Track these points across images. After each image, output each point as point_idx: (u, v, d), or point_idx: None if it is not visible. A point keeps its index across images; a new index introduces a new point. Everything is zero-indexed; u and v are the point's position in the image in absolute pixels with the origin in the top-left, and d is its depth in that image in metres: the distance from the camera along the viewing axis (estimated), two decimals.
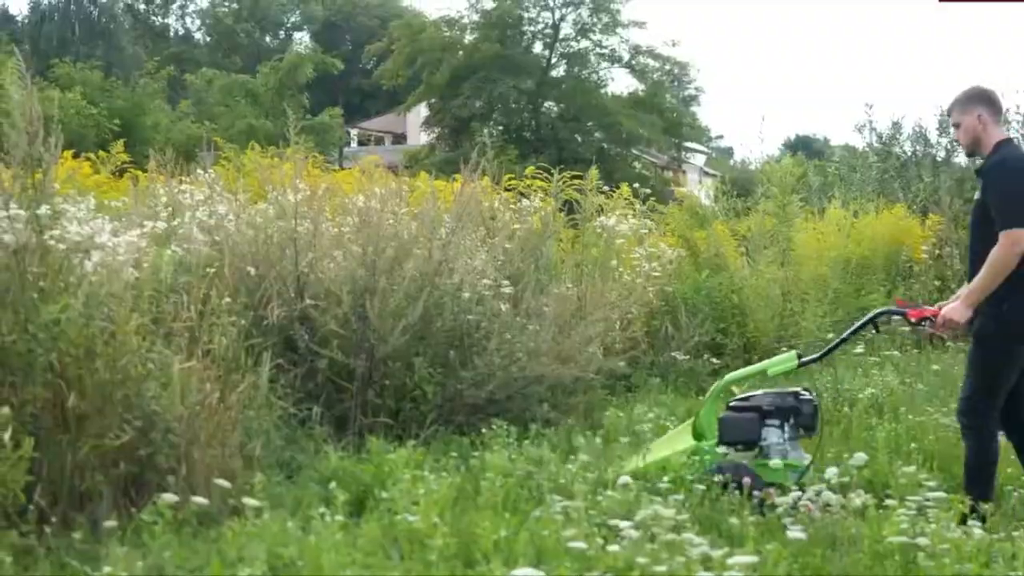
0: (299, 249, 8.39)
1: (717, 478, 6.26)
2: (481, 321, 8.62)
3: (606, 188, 13.44)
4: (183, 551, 4.97)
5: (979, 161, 6.90)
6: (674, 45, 47.65)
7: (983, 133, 6.59)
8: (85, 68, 37.56)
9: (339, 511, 5.14)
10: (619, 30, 45.56)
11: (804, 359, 7.15)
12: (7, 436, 5.14)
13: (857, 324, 7.18)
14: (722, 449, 6.82)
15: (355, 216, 9.02)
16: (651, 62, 46.46)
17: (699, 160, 59.83)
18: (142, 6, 74.40)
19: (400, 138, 61.64)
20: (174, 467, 5.95)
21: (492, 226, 10.71)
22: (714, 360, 11.71)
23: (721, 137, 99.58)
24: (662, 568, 4.45)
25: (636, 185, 14.85)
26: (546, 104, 45.66)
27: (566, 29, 45.98)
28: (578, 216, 12.40)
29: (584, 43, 46.40)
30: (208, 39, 71.04)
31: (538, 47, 46.62)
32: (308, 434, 7.67)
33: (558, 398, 8.94)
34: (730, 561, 4.41)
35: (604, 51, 46.47)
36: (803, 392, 7.02)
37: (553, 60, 46.21)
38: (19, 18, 71.62)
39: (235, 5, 70.01)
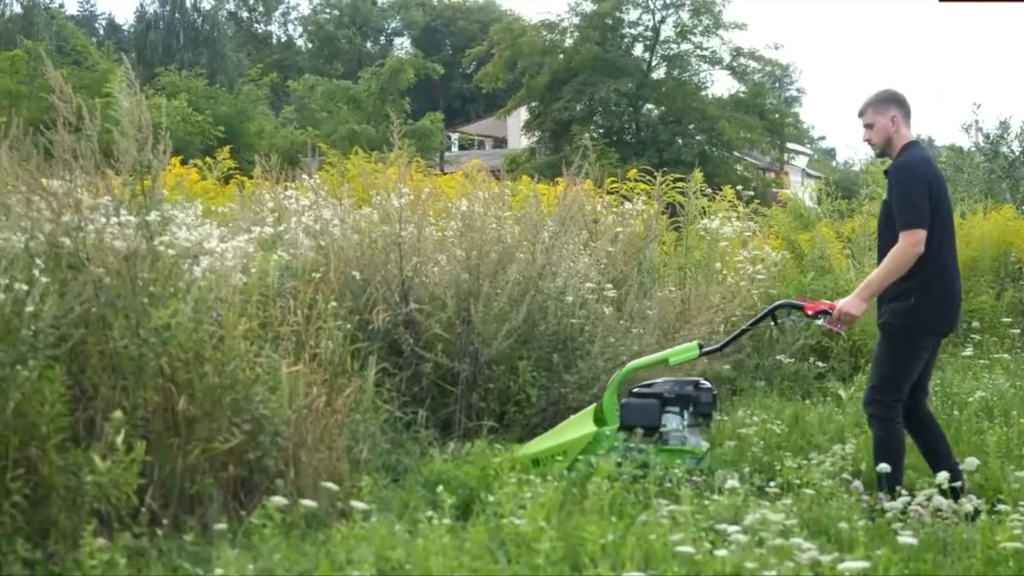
0: (403, 253, 8.43)
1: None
2: (584, 324, 8.61)
3: (708, 190, 13.37)
4: (292, 554, 5.00)
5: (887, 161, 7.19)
6: (777, 48, 47.32)
7: (895, 134, 6.88)
8: (190, 76, 38.00)
9: (446, 514, 5.15)
10: (720, 32, 45.25)
11: (705, 348, 7.37)
12: (120, 439, 5.21)
13: (756, 317, 7.46)
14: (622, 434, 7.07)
15: (459, 220, 9.05)
16: (752, 64, 46.05)
17: (801, 162, 59.24)
18: (245, 14, 75.31)
19: (500, 142, 61.73)
20: (282, 470, 6.00)
21: (595, 229, 10.70)
22: (820, 363, 11.56)
23: (823, 138, 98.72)
24: (771, 573, 4.41)
25: (739, 187, 14.77)
26: (646, 107, 45.43)
27: (666, 31, 45.70)
28: (681, 219, 12.34)
29: (685, 45, 46.11)
30: (310, 45, 71.63)
31: (638, 50, 46.39)
32: (413, 437, 7.71)
33: None
34: (841, 566, 4.34)
35: (705, 53, 46.17)
36: (702, 381, 7.31)
37: (653, 63, 45.97)
38: (125, 27, 72.91)
39: (336, 12, 70.53)
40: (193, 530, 5.23)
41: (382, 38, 76.36)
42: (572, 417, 7.49)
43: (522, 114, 47.64)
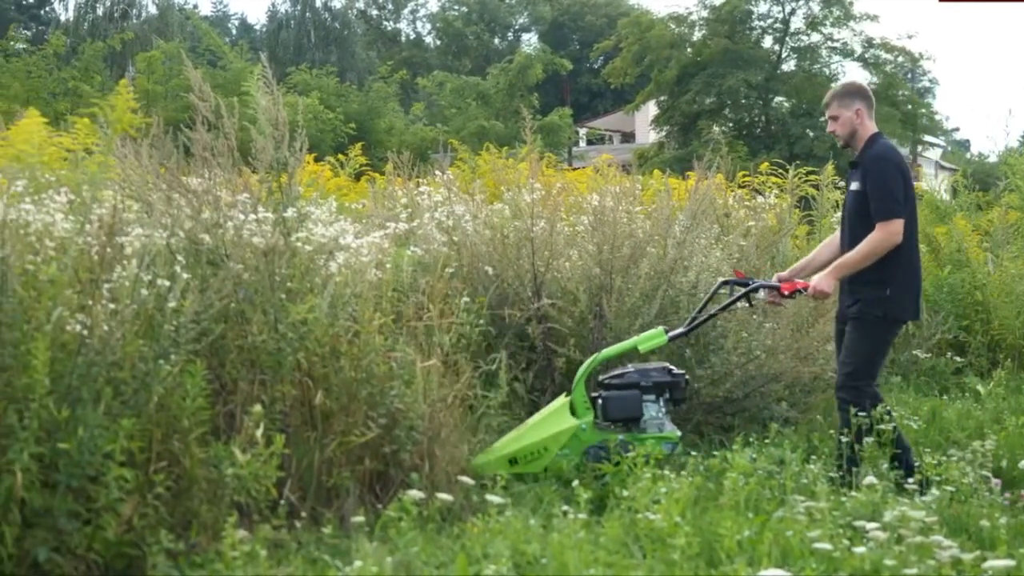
0: (535, 248, 8.44)
1: None
2: (717, 319, 8.56)
3: (841, 184, 13.20)
4: (428, 547, 5.05)
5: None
6: (910, 37, 46.52)
7: (860, 126, 7.18)
8: (321, 74, 38.37)
9: (581, 509, 5.14)
10: (851, 23, 44.61)
11: (672, 333, 7.27)
12: (259, 433, 5.28)
13: (731, 299, 7.36)
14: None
15: (590, 215, 9.04)
16: (884, 55, 45.32)
17: (935, 154, 58.19)
18: (374, 12, 75.91)
19: (628, 136, 61.55)
20: (417, 464, 6.05)
21: (726, 223, 10.63)
22: (957, 358, 11.38)
23: (957, 129, 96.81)
24: (911, 571, 4.35)
25: None
26: (776, 99, 44.98)
27: (796, 23, 45.14)
28: (813, 212, 12.21)
29: (815, 37, 45.53)
30: (438, 43, 72.03)
31: (768, 42, 45.88)
32: None
33: (796, 397, 8.81)
34: (985, 565, 4.27)
35: (836, 44, 45.55)
36: (672, 368, 7.26)
37: (783, 55, 45.49)
38: (257, 26, 73.99)
39: (465, 8, 70.81)
40: (331, 523, 5.29)
41: (510, 34, 76.51)
42: (544, 411, 7.33)
43: (650, 108, 47.44)
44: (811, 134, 42.02)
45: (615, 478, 6.27)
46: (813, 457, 7.10)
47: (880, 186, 6.90)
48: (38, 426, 4.48)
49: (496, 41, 72.59)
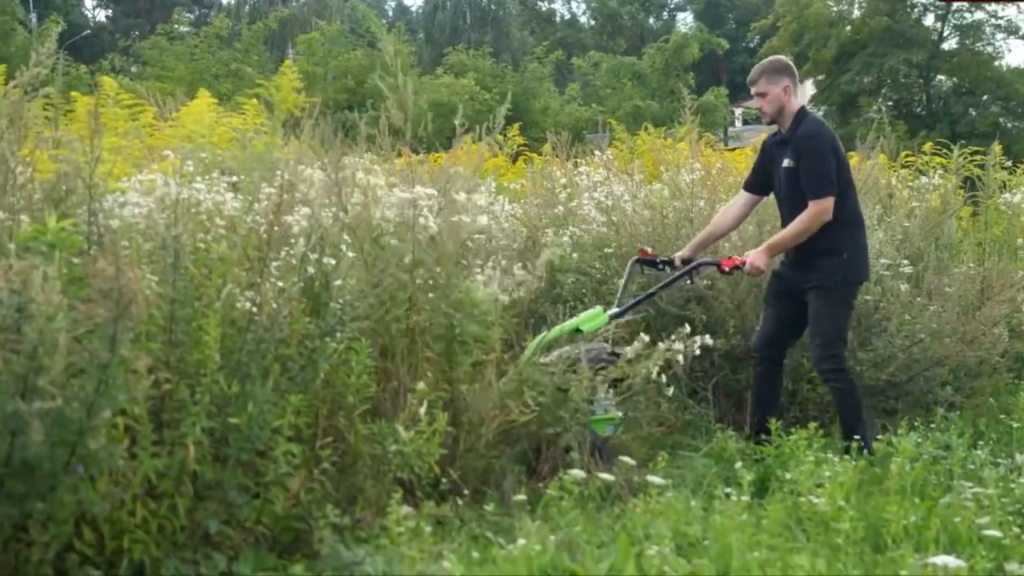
0: (695, 229, 8.38)
1: None
2: (879, 302, 8.42)
3: (1008, 164, 12.88)
4: (589, 526, 5.05)
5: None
6: None
7: (787, 103, 7.17)
8: (477, 55, 38.62)
9: (744, 491, 5.11)
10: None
11: (613, 312, 7.05)
12: (423, 411, 5.34)
13: (671, 278, 7.27)
14: None
15: None
16: None
17: None
18: None
19: None
20: (579, 443, 6.07)
21: (889, 204, 10.45)
22: None
23: None
24: None
25: None
26: (938, 78, 44.14)
27: None
28: (979, 193, 11.93)
29: (978, 14, 44.58)
30: (593, 23, 71.80)
31: (929, 19, 45.08)
32: (704, 414, 7.69)
33: (961, 381, 8.62)
34: None
35: (1000, 22, 44.55)
36: (613, 347, 7.01)
37: (945, 32, 44.60)
38: (414, 8, 74.64)
39: None
40: (493, 501, 5.32)
41: (665, 13, 76.01)
42: None
43: (808, 87, 46.83)
44: (973, 112, 41.13)
45: (776, 460, 6.22)
46: (980, 442, 6.97)
47: (812, 165, 6.98)
48: (209, 401, 4.57)
49: (651, 21, 72.13)
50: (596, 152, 10.55)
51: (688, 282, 7.42)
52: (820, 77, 44.21)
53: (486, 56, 39.02)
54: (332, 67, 31.61)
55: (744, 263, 7.03)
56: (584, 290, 8.18)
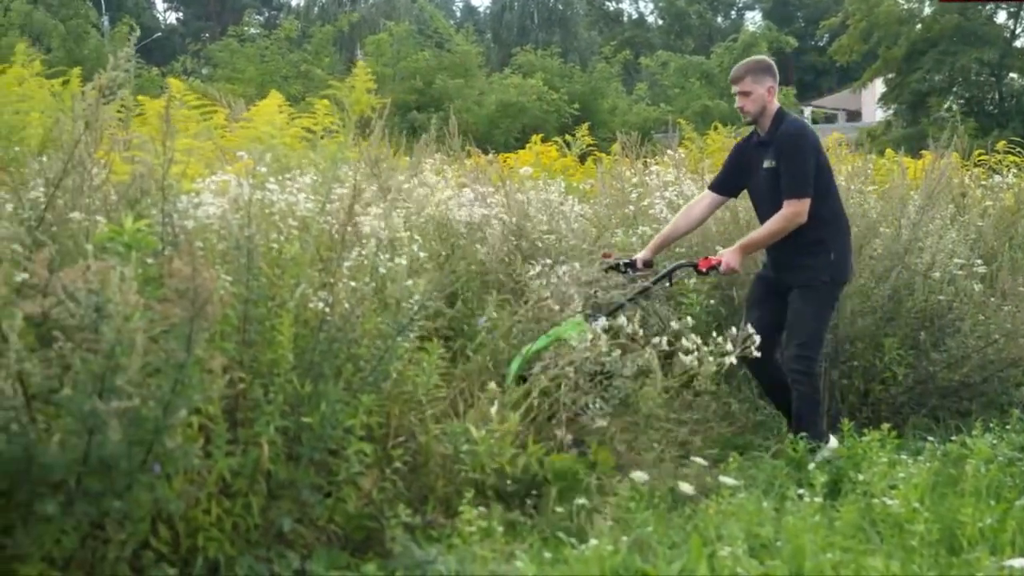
0: None
1: None
2: (953, 302, 8.33)
3: None
4: (661, 527, 5.04)
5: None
6: None
7: (769, 103, 7.05)
8: (544, 55, 38.63)
9: (817, 492, 5.08)
10: None
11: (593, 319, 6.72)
12: (494, 411, 5.35)
13: (650, 282, 7.06)
14: None
15: None
16: None
17: None
18: None
19: (854, 115, 60.35)
20: (654, 445, 6.06)
21: (962, 203, 10.36)
22: None
23: None
24: None
25: None
26: (1010, 75, 43.58)
27: None
28: None
29: None
30: (660, 22, 71.69)
31: (1001, 16, 44.50)
32: (775, 414, 7.65)
33: None
34: None
35: None
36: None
37: (1018, 30, 44.02)
38: (481, 9, 74.80)
39: None
40: (564, 502, 5.33)
41: (733, 12, 75.74)
42: None
43: (877, 86, 46.39)
44: None
45: (848, 462, 6.17)
46: None
47: (794, 165, 6.87)
48: (283, 400, 4.60)
49: (719, 19, 71.91)
50: (667, 151, 10.53)
51: (668, 285, 7.26)
52: (890, 76, 43.72)
53: (554, 56, 39.02)
54: (400, 68, 31.71)
55: (720, 262, 6.90)
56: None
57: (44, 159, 5.48)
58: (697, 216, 7.48)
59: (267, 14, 65.96)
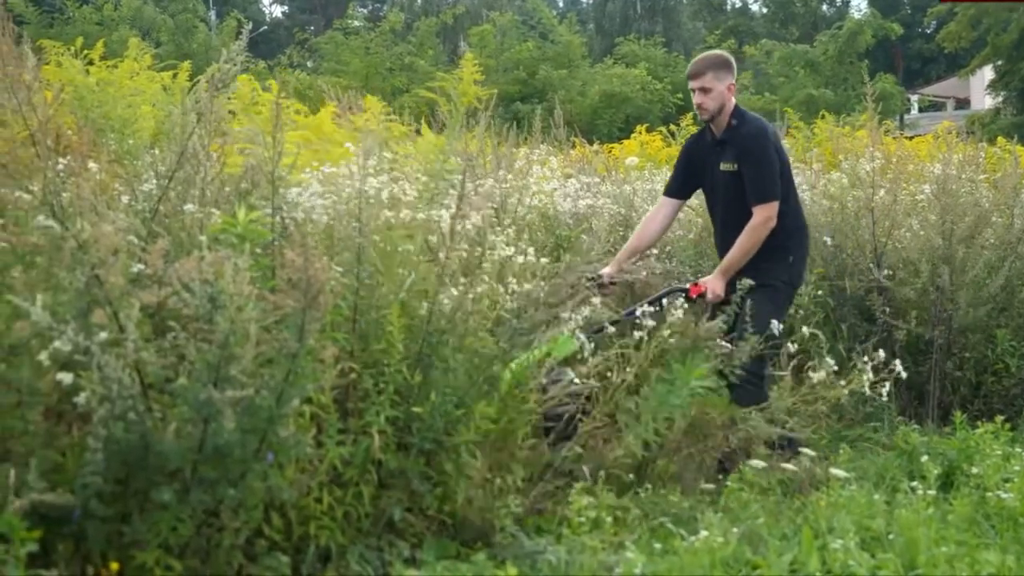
0: (875, 218, 8.26)
1: None
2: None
3: None
4: (771, 519, 5.01)
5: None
6: None
7: (728, 101, 6.76)
8: (648, 45, 38.54)
9: (930, 485, 5.02)
10: None
11: (582, 337, 6.07)
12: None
13: (642, 305, 6.29)
14: None
15: (932, 184, 8.80)
16: None
17: None
18: None
19: (963, 103, 59.46)
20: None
21: None
22: None
23: None
24: None
25: None
26: None
27: None
28: None
29: None
30: (764, 11, 71.03)
31: None
32: (885, 406, 7.57)
33: None
34: None
35: None
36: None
37: None
38: None
39: None
40: (673, 492, 5.31)
41: (837, 0, 74.90)
42: None
43: (986, 73, 45.67)
44: None
45: (961, 454, 6.09)
46: None
47: (759, 169, 6.59)
48: (393, 390, 4.64)
49: (824, 7, 71.10)
50: None
51: (658, 309, 6.38)
52: (999, 62, 43.05)
53: (657, 46, 38.92)
54: (504, 59, 31.77)
55: (706, 290, 6.54)
56: None
57: (156, 151, 5.56)
58: (659, 226, 7.11)
59: (370, 6, 66.41)
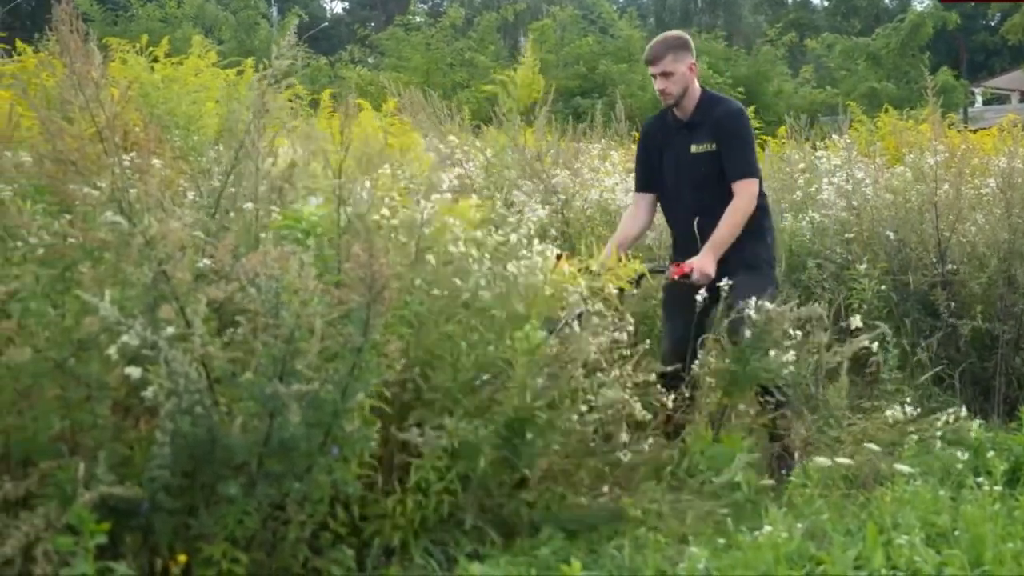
0: (939, 212, 8.20)
1: None
2: None
3: None
4: (835, 514, 4.99)
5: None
6: None
7: (691, 83, 6.49)
8: (709, 38, 38.32)
9: (996, 481, 4.98)
10: None
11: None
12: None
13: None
14: None
15: (997, 177, 8.73)
16: None
17: None
18: None
19: None
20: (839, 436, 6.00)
21: None
22: None
23: None
24: None
25: None
26: None
27: None
28: None
29: None
30: (826, 4, 70.60)
31: None
32: (950, 401, 7.52)
33: None
34: None
35: None
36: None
37: None
38: None
39: None
40: (736, 488, 5.30)
41: None
42: None
43: None
44: None
45: None
46: None
47: (742, 146, 6.40)
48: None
49: (886, 0, 70.64)
50: (835, 136, 10.41)
51: (634, 288, 6.13)
52: None
53: (718, 39, 38.72)
54: (564, 54, 31.74)
55: (691, 270, 6.18)
56: (825, 275, 8.08)
57: (220, 148, 5.60)
58: (643, 221, 6.83)
59: (431, 2, 66.56)
